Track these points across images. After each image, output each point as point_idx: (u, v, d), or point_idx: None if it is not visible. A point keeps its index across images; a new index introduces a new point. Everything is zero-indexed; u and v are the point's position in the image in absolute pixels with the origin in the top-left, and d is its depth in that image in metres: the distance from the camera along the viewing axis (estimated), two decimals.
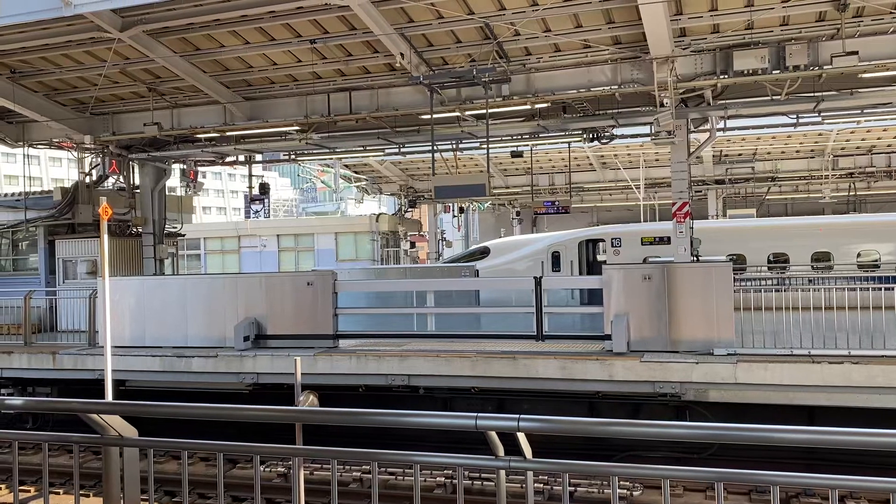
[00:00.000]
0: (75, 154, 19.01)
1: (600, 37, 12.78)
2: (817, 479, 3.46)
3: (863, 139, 24.49)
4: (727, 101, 13.60)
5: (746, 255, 17.73)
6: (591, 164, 28.07)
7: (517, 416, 3.74)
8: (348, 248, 28.84)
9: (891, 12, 11.57)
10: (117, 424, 4.50)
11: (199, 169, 19.80)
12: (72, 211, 17.28)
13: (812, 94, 13.04)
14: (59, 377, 13.26)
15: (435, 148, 15.07)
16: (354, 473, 10.34)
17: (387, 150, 19.24)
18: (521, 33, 12.65)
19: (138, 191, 17.96)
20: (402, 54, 12.75)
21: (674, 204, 13.32)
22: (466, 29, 12.80)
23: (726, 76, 12.54)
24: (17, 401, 4.87)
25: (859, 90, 13.10)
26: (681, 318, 10.88)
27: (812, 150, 25.87)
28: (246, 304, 12.72)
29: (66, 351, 13.21)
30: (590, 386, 10.63)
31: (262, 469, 10.53)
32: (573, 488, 9.34)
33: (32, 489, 9.89)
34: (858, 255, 17.29)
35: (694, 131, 14.73)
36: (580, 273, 19.11)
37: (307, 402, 8.14)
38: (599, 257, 20.28)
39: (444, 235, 33.95)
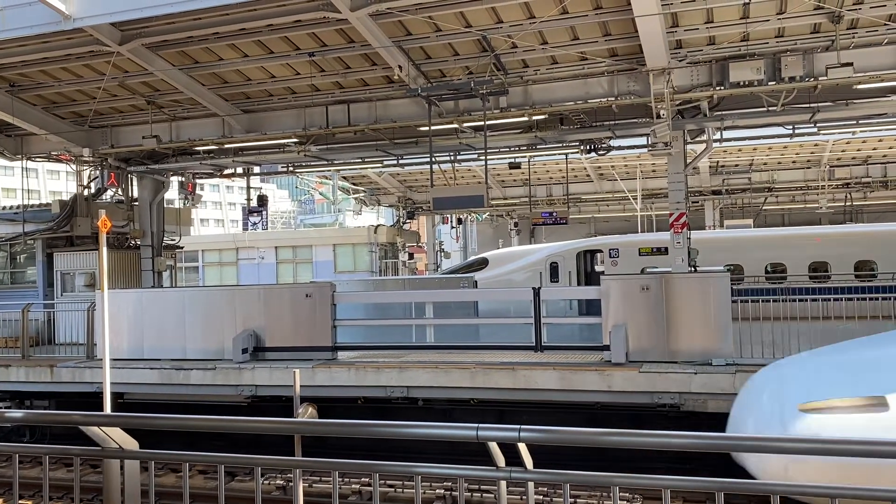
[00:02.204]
0: (74, 167, 19.03)
1: (597, 49, 12.87)
2: (816, 488, 3.47)
3: (858, 150, 24.61)
4: (723, 113, 13.68)
5: (744, 266, 17.78)
6: (588, 176, 28.16)
7: (518, 426, 3.75)
8: (346, 260, 28.84)
9: (885, 24, 11.67)
10: (118, 437, 4.50)
11: (198, 181, 19.84)
12: (70, 224, 17.27)
13: (808, 105, 13.12)
14: (56, 390, 13.23)
15: (433, 160, 15.14)
16: (354, 486, 10.31)
17: (385, 162, 19.31)
18: (519, 46, 12.73)
19: (136, 203, 17.99)
20: (400, 67, 12.82)
21: (671, 214, 13.37)
22: (464, 42, 12.88)
23: (722, 87, 12.62)
24: (18, 413, 4.87)
25: (854, 101, 13.18)
26: (679, 329, 10.89)
27: (808, 161, 25.98)
28: (244, 316, 12.72)
29: (64, 364, 13.19)
30: (589, 397, 10.63)
31: (261, 482, 10.49)
32: (573, 499, 9.33)
33: (30, 503, 9.85)
34: (856, 265, 17.34)
35: (690, 142, 14.81)
36: (578, 283, 19.14)
37: (306, 414, 8.14)
38: (597, 268, 20.32)
39: (443, 247, 33.99)
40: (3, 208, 19.30)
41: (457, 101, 13.87)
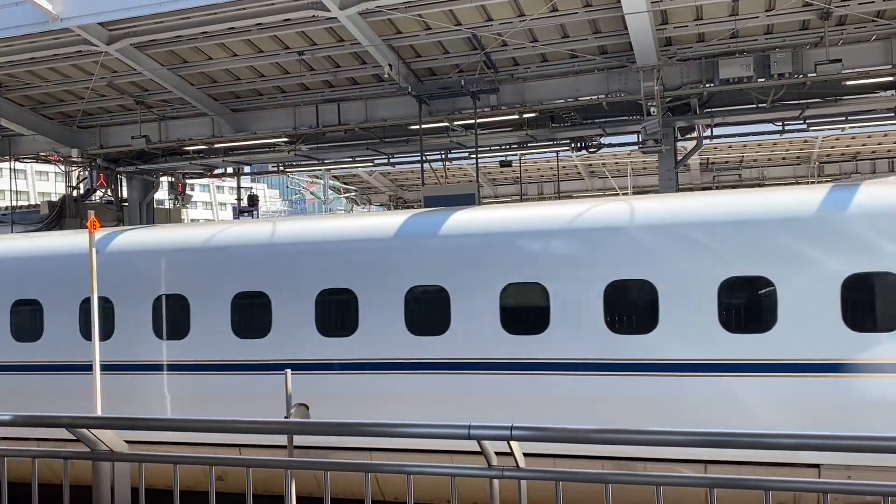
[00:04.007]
0: (62, 168, 18.91)
1: (587, 46, 12.86)
2: (809, 484, 3.47)
3: (847, 146, 24.68)
4: (713, 110, 13.70)
5: None
6: (579, 173, 28.13)
7: (510, 424, 3.73)
8: None
9: (873, 20, 11.71)
10: (108, 439, 4.47)
11: (188, 181, 19.75)
12: (59, 225, 17.15)
13: (797, 102, 13.16)
14: None
15: (424, 158, 15.11)
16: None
17: (376, 161, 19.25)
18: (509, 44, 12.71)
19: (126, 204, 17.88)
20: (389, 65, 12.78)
21: None
22: (454, 40, 12.85)
23: (712, 84, 12.64)
24: (6, 416, 4.83)
25: (843, 97, 13.23)
26: None
27: (798, 157, 26.04)
28: None
29: None
30: None
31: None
32: None
33: None
34: None
35: (681, 139, 14.82)
36: None
37: (298, 415, 8.10)
38: None
39: None
40: None
41: (448, 98, 13.84)
